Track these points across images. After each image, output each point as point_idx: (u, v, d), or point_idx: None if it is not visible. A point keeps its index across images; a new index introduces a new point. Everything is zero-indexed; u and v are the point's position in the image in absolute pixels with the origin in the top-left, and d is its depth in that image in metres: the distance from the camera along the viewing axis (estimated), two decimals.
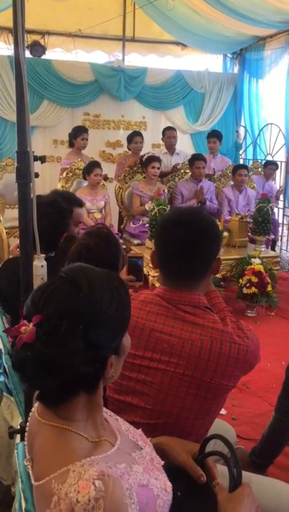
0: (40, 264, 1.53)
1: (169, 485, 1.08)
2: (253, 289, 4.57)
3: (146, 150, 6.39)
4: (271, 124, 7.45)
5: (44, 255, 1.57)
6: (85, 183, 5.34)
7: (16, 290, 2.27)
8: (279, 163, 7.10)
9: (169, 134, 6.53)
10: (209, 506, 1.13)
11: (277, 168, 6.55)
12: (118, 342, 1.04)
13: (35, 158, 1.44)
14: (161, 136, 6.71)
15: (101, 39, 7.68)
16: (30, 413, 1.10)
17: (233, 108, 8.21)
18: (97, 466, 0.90)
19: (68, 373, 0.94)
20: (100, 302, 0.98)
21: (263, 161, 6.99)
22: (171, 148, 6.57)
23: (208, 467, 1.20)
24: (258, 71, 7.68)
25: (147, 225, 5.00)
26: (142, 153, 6.04)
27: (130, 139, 6.25)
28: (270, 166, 6.48)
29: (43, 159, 1.49)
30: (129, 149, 6.34)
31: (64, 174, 5.52)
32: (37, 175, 1.46)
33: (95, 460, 0.93)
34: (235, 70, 8.29)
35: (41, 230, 1.70)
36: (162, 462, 1.14)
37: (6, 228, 5.00)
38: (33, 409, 1.09)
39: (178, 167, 6.17)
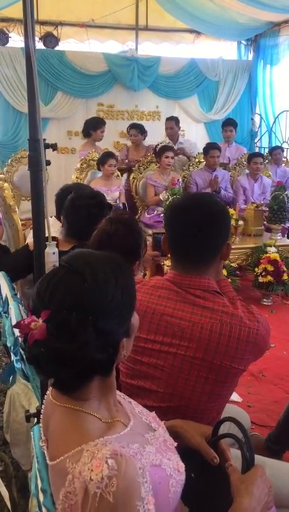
0: (51, 251, 1.54)
1: (181, 465, 1.09)
2: (269, 278, 4.55)
3: (160, 140, 6.37)
4: (287, 111, 7.36)
5: (55, 242, 1.59)
6: (100, 174, 5.35)
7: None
8: None
9: (166, 125, 6.43)
10: (222, 487, 1.14)
11: (283, 151, 6.48)
12: (127, 324, 1.05)
13: (47, 146, 1.46)
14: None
15: (114, 28, 7.64)
16: (45, 396, 1.12)
17: (247, 96, 8.12)
18: (110, 445, 0.92)
19: (83, 363, 0.95)
20: (105, 290, 0.98)
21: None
22: (172, 139, 6.51)
23: (221, 449, 1.21)
24: (272, 57, 7.57)
25: (162, 214, 4.99)
26: (155, 143, 6.02)
27: (127, 131, 6.27)
28: (275, 152, 6.42)
29: (54, 146, 1.50)
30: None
31: (78, 165, 5.53)
32: (49, 162, 1.47)
33: (108, 440, 0.95)
34: (250, 57, 8.19)
35: (79, 220, 2.12)
36: (175, 444, 1.16)
37: (21, 220, 5.02)
38: (47, 391, 1.12)
39: (178, 151, 6.12)
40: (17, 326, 0.97)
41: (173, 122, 6.40)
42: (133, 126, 6.30)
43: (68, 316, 0.93)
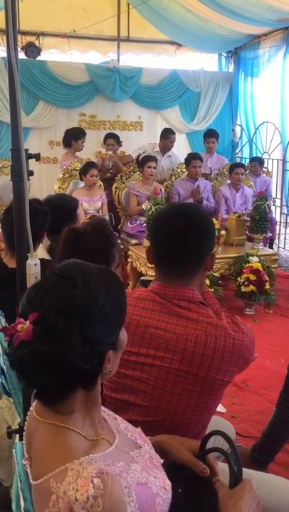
0: (33, 263, 1.52)
1: (168, 483, 1.07)
2: (251, 287, 4.57)
3: (142, 150, 6.39)
4: (267, 122, 7.45)
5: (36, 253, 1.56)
6: (82, 184, 5.34)
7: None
8: (275, 162, 7.13)
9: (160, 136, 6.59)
10: (210, 503, 1.12)
11: (261, 163, 6.58)
12: (115, 337, 1.04)
13: (30, 156, 1.44)
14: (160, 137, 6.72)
15: (96, 40, 7.66)
16: (29, 412, 1.09)
17: (228, 107, 8.20)
18: (96, 464, 0.89)
19: (66, 370, 0.93)
20: (95, 298, 0.98)
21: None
22: (162, 150, 6.58)
23: (208, 463, 1.19)
24: (253, 69, 7.67)
25: (145, 224, 5.00)
26: (138, 153, 6.05)
27: (104, 141, 6.33)
28: (253, 163, 6.52)
29: (37, 157, 1.49)
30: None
31: (61, 175, 5.51)
32: (31, 173, 1.45)
33: (94, 458, 0.92)
34: (231, 68, 8.29)
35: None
36: (161, 460, 1.13)
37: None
38: (31, 407, 1.09)
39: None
40: (3, 330, 0.96)
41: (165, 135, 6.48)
42: (110, 135, 6.34)
43: (56, 319, 0.93)
